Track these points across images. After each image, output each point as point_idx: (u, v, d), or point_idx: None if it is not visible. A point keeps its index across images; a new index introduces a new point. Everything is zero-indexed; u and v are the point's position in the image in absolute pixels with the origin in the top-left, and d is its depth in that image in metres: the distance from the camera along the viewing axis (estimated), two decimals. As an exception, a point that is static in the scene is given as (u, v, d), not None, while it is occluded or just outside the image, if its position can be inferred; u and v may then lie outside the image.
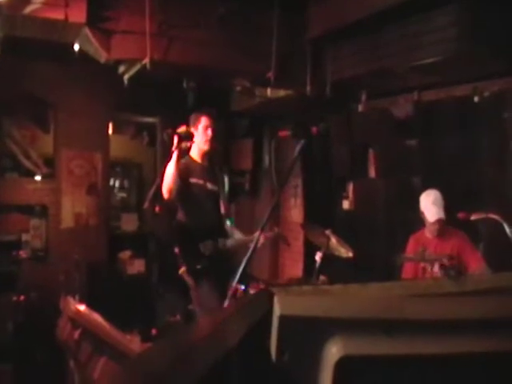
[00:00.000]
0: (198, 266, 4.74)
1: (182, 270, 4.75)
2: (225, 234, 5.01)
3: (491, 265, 4.46)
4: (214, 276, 4.71)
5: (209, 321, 1.51)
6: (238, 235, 5.13)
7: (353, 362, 1.18)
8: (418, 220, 5.24)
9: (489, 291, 1.50)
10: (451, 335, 1.23)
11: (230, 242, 4.97)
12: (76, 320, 4.06)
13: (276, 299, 1.19)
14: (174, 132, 4.67)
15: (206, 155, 4.98)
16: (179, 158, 4.70)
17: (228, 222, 5.07)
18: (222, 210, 5.05)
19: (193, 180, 4.85)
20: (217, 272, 4.73)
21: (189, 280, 4.76)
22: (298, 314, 1.19)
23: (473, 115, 5.36)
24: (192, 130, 4.86)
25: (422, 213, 5.00)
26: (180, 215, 4.93)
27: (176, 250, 4.74)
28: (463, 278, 1.52)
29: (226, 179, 5.24)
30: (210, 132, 4.90)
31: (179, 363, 1.12)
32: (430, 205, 4.91)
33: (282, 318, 1.18)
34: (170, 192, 4.67)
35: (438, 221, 4.86)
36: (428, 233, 5.01)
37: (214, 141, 4.95)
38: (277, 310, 1.18)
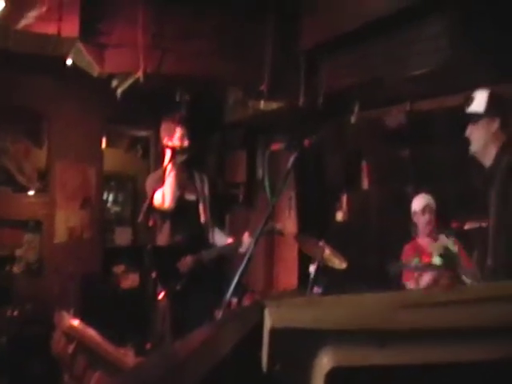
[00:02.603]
0: (178, 287, 4.70)
1: (162, 294, 4.72)
2: (207, 245, 4.97)
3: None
4: (201, 291, 4.69)
5: (201, 333, 1.51)
6: (220, 240, 5.10)
7: (344, 373, 1.18)
8: (412, 230, 5.26)
9: (481, 300, 1.50)
10: (444, 345, 1.23)
11: (213, 252, 4.94)
12: (70, 334, 4.05)
13: (267, 312, 1.19)
14: (168, 146, 4.69)
15: (183, 164, 4.93)
16: (175, 171, 4.70)
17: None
18: (203, 218, 5.02)
19: None
20: (203, 286, 4.71)
21: (165, 306, 4.73)
22: (289, 326, 1.18)
23: (465, 125, 5.37)
24: (165, 140, 4.83)
25: (414, 213, 5.08)
26: (159, 233, 4.90)
27: (153, 274, 4.69)
28: (455, 288, 1.52)
29: (207, 187, 5.15)
30: (186, 142, 4.85)
31: (171, 375, 1.11)
32: (417, 198, 5.06)
33: (273, 331, 1.17)
34: (173, 201, 4.68)
35: (426, 207, 4.96)
36: (422, 238, 5.07)
37: (191, 148, 4.90)
38: (268, 323, 1.18)
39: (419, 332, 1.22)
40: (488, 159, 3.47)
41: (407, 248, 5.15)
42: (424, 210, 5.06)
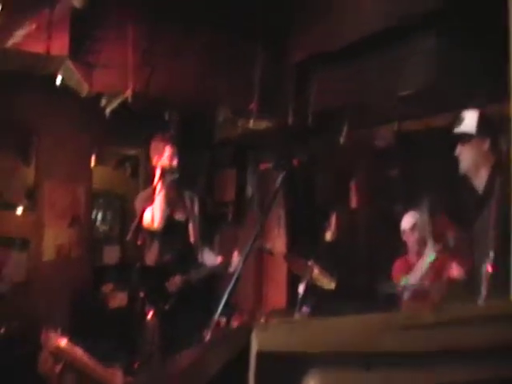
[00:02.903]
0: (167, 307, 4.68)
1: (150, 314, 4.70)
2: (196, 265, 4.96)
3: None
4: (189, 311, 4.67)
5: (188, 355, 1.50)
6: (209, 260, 5.09)
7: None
8: (400, 250, 5.28)
9: (468, 321, 1.50)
10: (428, 368, 1.23)
11: (201, 272, 4.92)
12: (58, 354, 4.01)
13: (254, 335, 1.19)
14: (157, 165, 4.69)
15: (172, 183, 4.92)
16: (164, 190, 4.70)
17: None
18: (192, 238, 5.01)
19: None
20: (192, 306, 4.69)
21: (154, 326, 4.71)
22: (275, 349, 1.18)
23: (453, 144, 5.41)
24: (155, 159, 4.83)
25: (403, 231, 5.11)
26: (148, 252, 4.89)
27: (141, 293, 4.67)
28: (442, 309, 1.52)
29: (197, 206, 5.15)
30: (175, 161, 4.85)
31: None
32: (406, 216, 5.08)
33: (260, 354, 1.17)
34: (162, 221, 4.67)
35: (415, 226, 4.99)
36: (411, 256, 5.09)
37: (180, 168, 4.89)
38: (254, 346, 1.18)
39: (404, 355, 1.23)
40: (479, 180, 3.50)
41: (398, 264, 5.18)
42: (413, 228, 5.08)
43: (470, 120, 3.51)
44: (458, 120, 3.58)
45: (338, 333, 1.30)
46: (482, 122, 3.47)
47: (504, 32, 2.34)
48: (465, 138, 3.55)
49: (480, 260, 3.22)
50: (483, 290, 3.01)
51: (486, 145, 3.47)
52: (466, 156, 3.58)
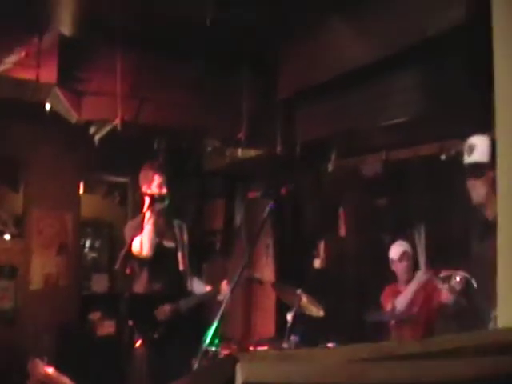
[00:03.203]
0: (156, 335, 4.65)
1: (139, 343, 4.66)
2: (186, 293, 4.94)
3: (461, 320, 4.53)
4: (178, 340, 4.64)
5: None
6: (199, 288, 5.08)
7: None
8: (389, 278, 5.28)
9: (454, 352, 1.50)
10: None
11: (190, 301, 4.90)
12: (45, 382, 3.97)
13: (239, 366, 1.18)
14: (146, 193, 4.69)
15: (162, 211, 4.93)
16: (153, 218, 4.69)
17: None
18: (181, 266, 4.99)
19: None
20: (181, 335, 4.67)
21: (142, 354, 4.67)
22: (260, 381, 1.18)
23: (440, 174, 5.46)
24: (144, 188, 4.83)
25: (392, 261, 5.11)
26: (136, 281, 4.86)
27: (130, 322, 4.63)
28: (430, 339, 1.52)
29: (186, 235, 5.15)
30: (165, 190, 4.85)
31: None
32: (394, 246, 5.09)
33: (245, 386, 1.17)
34: (151, 249, 4.65)
35: (403, 255, 5.00)
36: (401, 284, 5.09)
37: (169, 196, 4.88)
38: (239, 378, 1.17)
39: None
40: (491, 210, 3.34)
41: (387, 291, 5.18)
42: (401, 257, 5.09)
43: (482, 148, 3.39)
44: (468, 149, 3.51)
45: (324, 364, 1.29)
46: (493, 148, 3.29)
47: (488, 62, 2.36)
48: (477, 169, 3.43)
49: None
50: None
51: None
52: (480, 190, 3.49)
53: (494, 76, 2.30)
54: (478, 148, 3.42)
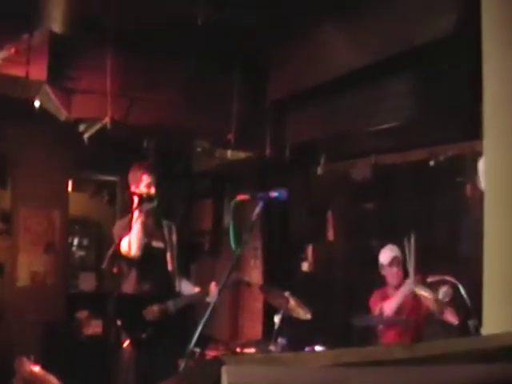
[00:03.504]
0: (144, 336, 4.64)
1: (127, 343, 4.65)
2: (174, 294, 4.93)
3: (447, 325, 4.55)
4: (166, 340, 4.64)
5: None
6: (187, 290, 5.07)
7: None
8: (377, 282, 5.29)
9: (440, 358, 1.50)
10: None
11: (179, 302, 4.89)
12: (30, 381, 3.96)
13: (224, 369, 1.18)
14: (135, 193, 4.68)
15: (150, 211, 4.93)
16: (142, 218, 4.69)
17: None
18: (170, 267, 4.99)
19: None
20: (168, 335, 4.66)
21: (129, 354, 4.66)
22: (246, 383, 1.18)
23: (428, 179, 5.49)
24: (133, 187, 4.83)
25: (381, 265, 5.11)
26: (125, 280, 4.85)
27: (118, 322, 4.61)
28: (415, 345, 1.53)
29: (175, 235, 5.15)
30: (153, 190, 4.85)
31: None
32: (383, 251, 5.09)
33: (230, 389, 1.16)
34: (139, 248, 4.64)
35: (393, 260, 4.99)
36: (390, 289, 5.09)
37: (157, 196, 4.88)
38: (225, 380, 1.17)
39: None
40: None
41: (376, 295, 5.17)
42: (392, 262, 5.07)
43: None
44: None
45: (309, 369, 1.29)
46: None
47: (477, 69, 2.38)
48: None
49: None
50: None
51: None
52: None
53: (482, 83, 2.32)
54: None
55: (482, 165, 3.50)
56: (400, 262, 5.03)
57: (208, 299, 4.77)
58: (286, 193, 3.26)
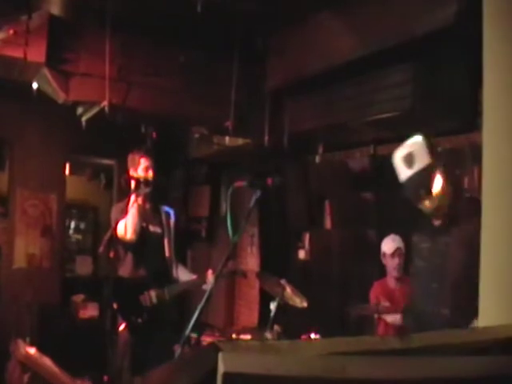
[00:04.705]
0: (140, 320, 4.65)
1: (122, 326, 4.66)
2: (171, 280, 4.94)
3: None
4: (162, 326, 4.65)
5: (157, 375, 1.49)
6: (184, 276, 5.08)
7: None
8: (373, 271, 5.30)
9: (435, 349, 1.51)
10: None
11: (176, 288, 4.91)
12: (26, 364, 3.96)
13: (221, 356, 1.18)
14: (132, 177, 4.68)
15: (148, 196, 4.93)
16: (139, 202, 4.69)
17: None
18: (167, 253, 4.99)
19: None
20: (164, 321, 4.67)
21: (125, 338, 4.67)
22: (242, 371, 1.18)
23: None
24: (131, 171, 4.84)
25: (383, 254, 5.09)
26: (121, 264, 4.86)
27: (114, 305, 4.62)
28: (409, 336, 1.53)
29: (173, 221, 5.16)
30: (151, 173, 4.86)
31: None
32: (386, 241, 5.06)
33: (226, 375, 1.17)
34: (135, 233, 4.64)
35: (396, 251, 4.97)
36: (390, 280, 5.09)
37: (155, 181, 4.90)
38: (221, 367, 1.17)
39: (368, 382, 1.23)
40: None
41: (376, 286, 5.17)
42: (394, 253, 5.04)
43: (419, 153, 3.43)
44: (406, 160, 3.50)
45: (305, 357, 1.30)
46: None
47: (477, 60, 2.37)
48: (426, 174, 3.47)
49: None
50: None
51: None
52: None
53: (482, 74, 2.31)
54: (417, 154, 3.41)
55: (397, 157, 3.50)
56: (402, 254, 5.02)
57: (204, 287, 4.77)
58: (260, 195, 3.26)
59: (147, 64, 5.46)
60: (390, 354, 1.40)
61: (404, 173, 3.43)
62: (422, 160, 3.36)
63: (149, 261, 4.85)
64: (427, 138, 3.44)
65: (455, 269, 3.35)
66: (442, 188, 3.41)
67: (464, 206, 3.34)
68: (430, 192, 3.40)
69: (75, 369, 4.08)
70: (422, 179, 3.39)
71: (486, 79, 2.29)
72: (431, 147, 3.37)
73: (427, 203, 3.46)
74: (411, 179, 3.41)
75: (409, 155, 3.38)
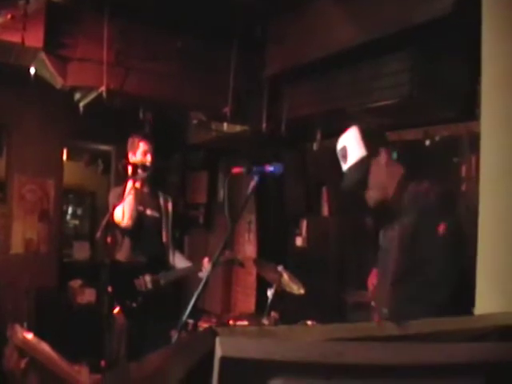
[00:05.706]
0: (134, 305, 4.66)
1: (117, 309, 4.66)
2: (167, 266, 4.96)
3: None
4: (158, 311, 4.66)
5: (154, 359, 1.50)
6: (180, 263, 5.09)
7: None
8: (371, 258, 5.31)
9: (432, 336, 1.52)
10: (390, 381, 1.24)
11: (171, 275, 4.92)
12: (23, 349, 3.96)
13: (218, 340, 1.19)
14: (129, 162, 4.68)
15: (146, 180, 4.93)
16: (136, 187, 4.70)
17: None
18: (164, 238, 5.00)
19: None
20: (160, 306, 4.69)
21: (120, 320, 4.68)
22: (239, 355, 1.18)
23: (424, 159, 5.47)
24: (130, 155, 4.85)
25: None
26: (119, 249, 4.86)
27: (109, 288, 4.62)
28: (406, 322, 1.54)
29: (171, 207, 5.16)
30: (149, 157, 4.87)
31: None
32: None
33: (224, 360, 1.17)
34: (131, 219, 4.65)
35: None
36: None
37: (153, 165, 4.90)
38: (218, 351, 1.18)
39: (365, 367, 1.24)
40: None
41: (374, 272, 5.17)
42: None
43: (353, 145, 3.26)
44: (341, 156, 3.38)
45: (302, 342, 1.31)
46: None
47: (476, 49, 2.37)
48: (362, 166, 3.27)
49: None
50: None
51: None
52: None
53: (481, 63, 2.31)
54: (350, 147, 3.29)
55: (339, 146, 3.43)
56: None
57: (200, 275, 4.78)
58: (281, 167, 3.26)
59: (145, 49, 5.44)
60: (386, 341, 1.41)
61: (343, 166, 3.35)
62: (356, 153, 3.25)
63: (146, 245, 4.86)
64: (367, 129, 3.32)
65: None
66: (380, 180, 3.27)
67: (408, 198, 3.19)
68: (366, 185, 3.30)
69: (72, 354, 4.07)
70: (359, 172, 3.28)
71: (485, 68, 2.28)
72: (369, 138, 3.23)
73: (367, 195, 3.38)
74: (349, 172, 3.31)
75: (343, 149, 3.29)
